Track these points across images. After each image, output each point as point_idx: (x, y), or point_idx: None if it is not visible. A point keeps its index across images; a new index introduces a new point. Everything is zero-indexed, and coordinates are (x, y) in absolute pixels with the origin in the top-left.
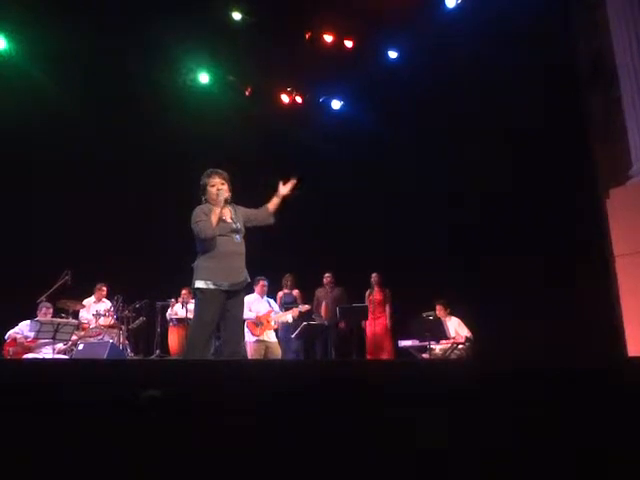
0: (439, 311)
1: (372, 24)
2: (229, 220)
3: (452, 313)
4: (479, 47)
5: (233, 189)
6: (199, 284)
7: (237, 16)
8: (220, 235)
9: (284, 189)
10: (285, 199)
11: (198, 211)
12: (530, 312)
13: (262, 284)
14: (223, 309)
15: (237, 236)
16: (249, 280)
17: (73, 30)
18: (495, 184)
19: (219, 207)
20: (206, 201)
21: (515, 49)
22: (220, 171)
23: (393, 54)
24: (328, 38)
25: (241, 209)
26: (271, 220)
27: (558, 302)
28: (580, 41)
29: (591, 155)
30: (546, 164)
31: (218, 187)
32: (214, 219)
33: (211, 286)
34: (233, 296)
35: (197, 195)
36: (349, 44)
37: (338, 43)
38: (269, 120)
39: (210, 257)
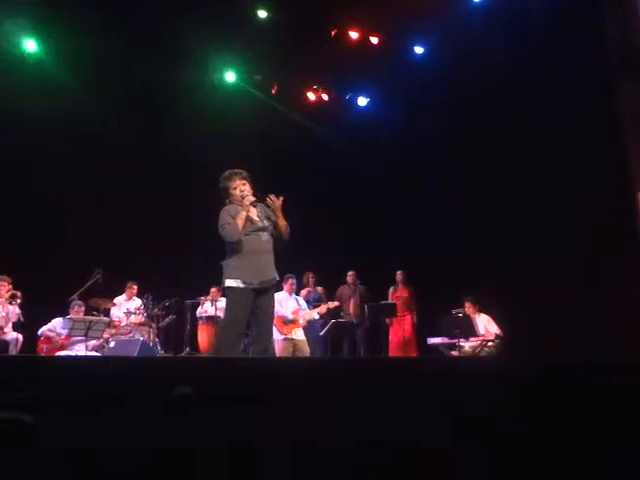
0: (468, 308)
1: (398, 20)
2: (255, 218)
3: (481, 310)
4: (508, 40)
5: (256, 186)
6: (229, 283)
7: (263, 14)
8: (247, 234)
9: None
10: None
11: (224, 214)
12: (561, 310)
13: (291, 282)
14: (253, 307)
15: (264, 234)
16: (278, 278)
17: (101, 31)
18: (525, 181)
19: (245, 210)
20: (230, 202)
21: (545, 42)
22: (239, 171)
23: (419, 49)
24: (354, 35)
25: (266, 209)
26: (284, 237)
27: (590, 300)
28: (611, 31)
29: (623, 150)
30: (577, 160)
31: (241, 188)
32: (240, 222)
33: (241, 284)
34: (263, 294)
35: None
36: (375, 40)
37: (364, 39)
38: (295, 118)
39: (238, 256)
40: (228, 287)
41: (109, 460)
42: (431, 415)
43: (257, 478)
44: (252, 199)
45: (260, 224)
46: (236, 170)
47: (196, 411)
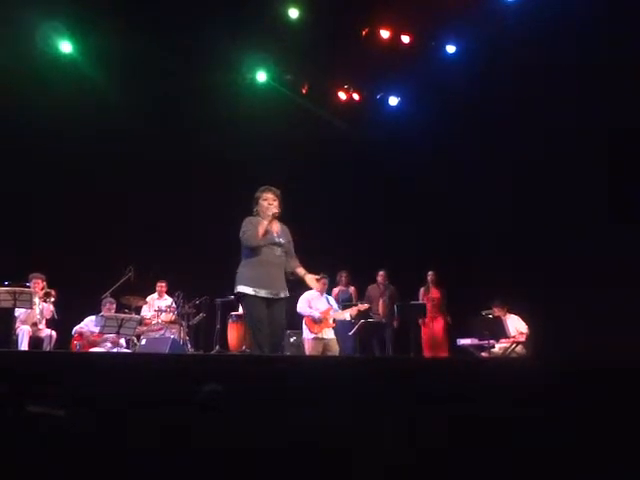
0: (497, 311)
1: (429, 18)
2: (274, 233)
3: (510, 310)
4: (541, 39)
5: (283, 203)
6: (241, 289)
7: (294, 13)
8: (262, 246)
9: (309, 280)
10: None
11: (247, 222)
12: (597, 311)
13: (323, 282)
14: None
15: (278, 249)
16: (287, 294)
17: (134, 32)
18: (559, 182)
19: (267, 220)
20: (257, 213)
21: (583, 41)
22: (274, 189)
23: (451, 48)
24: (385, 34)
25: (289, 233)
26: (290, 277)
27: (627, 302)
28: None
29: None
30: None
31: (270, 202)
32: (261, 230)
33: (251, 292)
34: (273, 304)
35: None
36: (406, 39)
37: (395, 38)
38: (326, 117)
39: (251, 265)
40: (241, 293)
41: (138, 456)
42: (450, 416)
43: (287, 473)
44: (276, 212)
45: (276, 239)
46: (272, 187)
47: (223, 408)
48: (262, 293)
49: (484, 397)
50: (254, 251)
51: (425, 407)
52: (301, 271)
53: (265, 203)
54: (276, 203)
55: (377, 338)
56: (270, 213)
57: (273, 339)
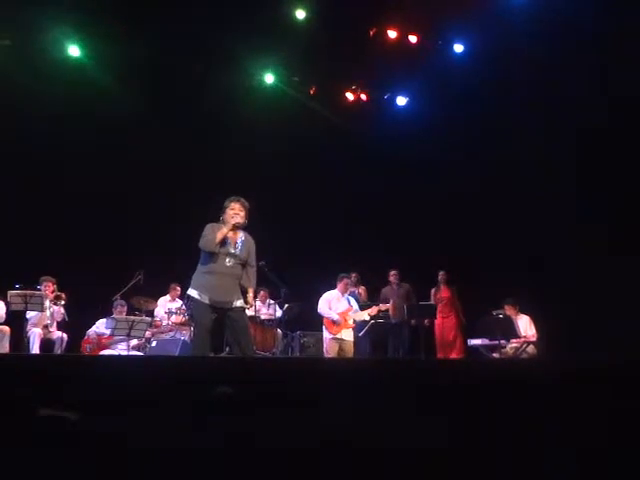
0: (508, 310)
1: (436, 18)
2: (232, 244)
3: (522, 311)
4: (551, 38)
5: (249, 216)
6: (190, 292)
7: (301, 15)
8: (218, 254)
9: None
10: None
11: (208, 227)
12: (602, 312)
13: (345, 282)
14: (226, 322)
15: (230, 259)
16: (240, 304)
17: (142, 35)
18: (566, 181)
19: (228, 228)
20: (222, 220)
21: (588, 42)
22: (243, 200)
23: (459, 48)
24: (392, 34)
25: (252, 245)
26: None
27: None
28: None
29: None
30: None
31: (236, 212)
32: (219, 237)
33: (197, 297)
34: (229, 312)
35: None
36: (413, 39)
37: (402, 38)
38: (334, 118)
39: (203, 271)
40: (189, 296)
41: (149, 458)
42: (458, 417)
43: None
44: (238, 221)
45: (231, 250)
46: (242, 199)
47: (235, 410)
48: (208, 300)
49: (490, 397)
50: (209, 258)
51: (426, 408)
52: (250, 295)
53: (231, 212)
54: (242, 214)
55: (392, 339)
56: (233, 222)
57: (241, 345)
